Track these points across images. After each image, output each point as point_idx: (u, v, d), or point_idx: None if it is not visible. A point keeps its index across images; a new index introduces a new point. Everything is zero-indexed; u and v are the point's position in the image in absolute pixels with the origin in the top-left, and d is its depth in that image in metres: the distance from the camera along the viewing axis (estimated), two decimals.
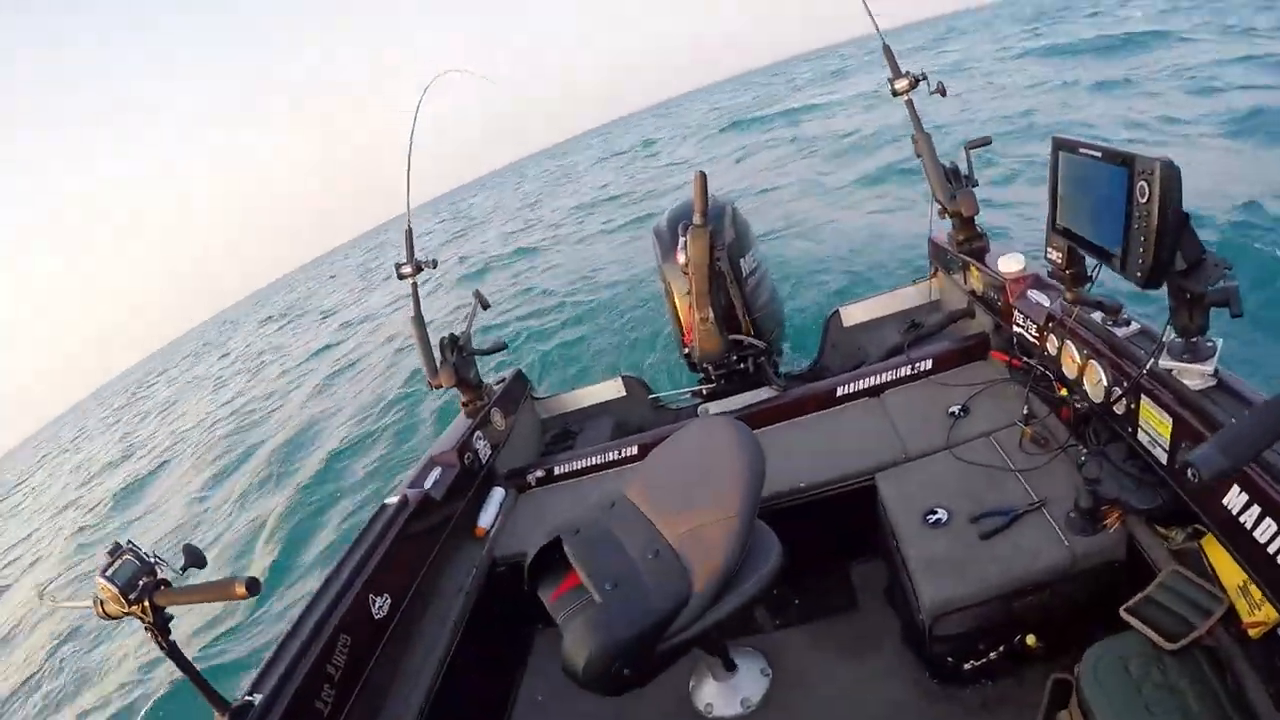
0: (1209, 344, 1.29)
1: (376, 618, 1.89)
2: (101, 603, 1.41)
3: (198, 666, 1.48)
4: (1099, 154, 1.33)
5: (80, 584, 7.58)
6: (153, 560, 1.45)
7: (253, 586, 1.38)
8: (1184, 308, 1.26)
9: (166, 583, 1.44)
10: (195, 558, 1.47)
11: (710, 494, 1.56)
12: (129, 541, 1.46)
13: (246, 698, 1.53)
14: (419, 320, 2.82)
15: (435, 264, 2.89)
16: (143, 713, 4.46)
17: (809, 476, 2.09)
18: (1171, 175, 1.14)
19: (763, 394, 2.68)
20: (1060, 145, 1.50)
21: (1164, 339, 1.34)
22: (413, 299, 2.83)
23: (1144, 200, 1.18)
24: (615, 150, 33.00)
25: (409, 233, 2.86)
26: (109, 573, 1.39)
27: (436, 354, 2.81)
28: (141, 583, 1.40)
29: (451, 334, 2.88)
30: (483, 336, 3.03)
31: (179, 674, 1.44)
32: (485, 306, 2.99)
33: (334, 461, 7.27)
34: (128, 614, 1.40)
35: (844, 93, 20.95)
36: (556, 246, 13.74)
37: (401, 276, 2.82)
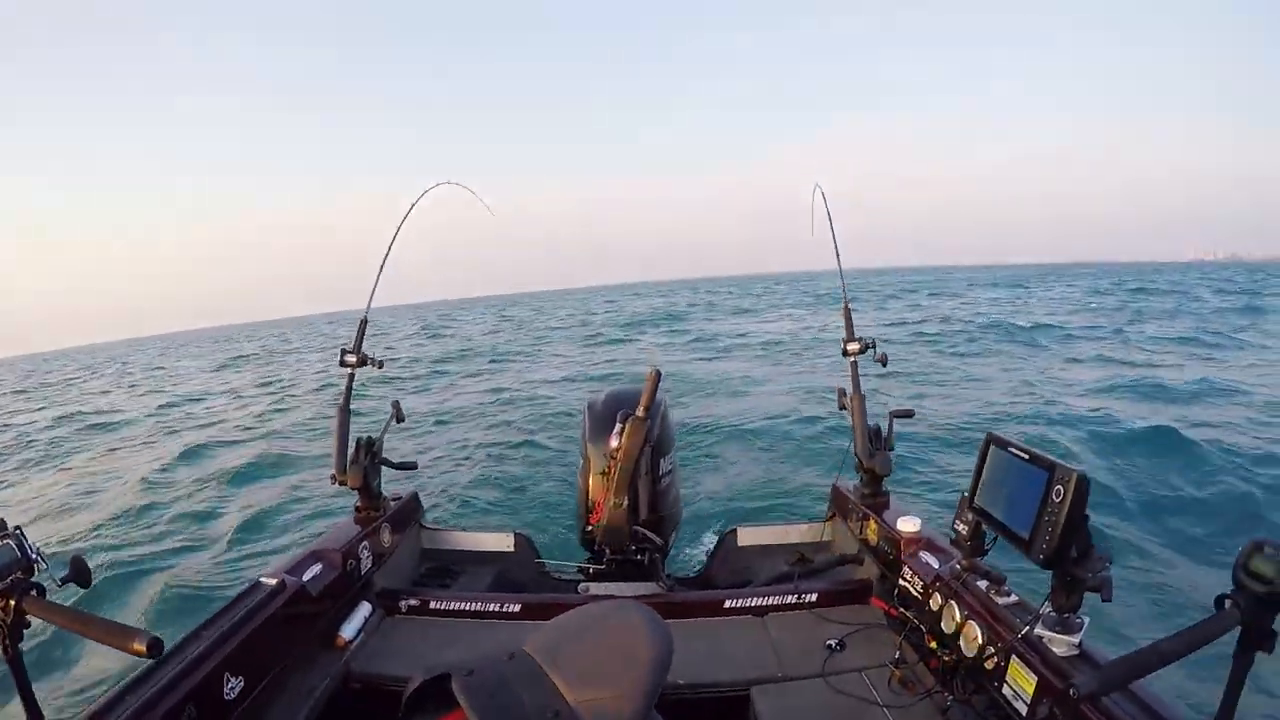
0: (1079, 620, 1.52)
1: (227, 698, 1.79)
2: None
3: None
4: (1026, 456, 1.61)
5: None
6: (35, 558, 1.32)
7: (155, 647, 1.26)
8: (1064, 588, 1.50)
9: (40, 588, 1.31)
10: (81, 574, 1.35)
11: (618, 670, 1.53)
12: (18, 528, 1.34)
13: None
14: (345, 411, 2.81)
15: (381, 364, 2.94)
16: None
17: (687, 675, 2.11)
18: (1083, 485, 1.41)
19: (647, 588, 2.71)
20: (994, 441, 1.77)
21: (1041, 610, 1.56)
22: (346, 389, 2.83)
23: (1057, 500, 1.44)
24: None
25: (364, 323, 2.92)
26: None
27: (350, 450, 2.78)
28: (12, 578, 1.28)
29: (370, 437, 2.86)
30: (393, 447, 3.01)
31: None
32: (400, 420, 3.00)
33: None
34: None
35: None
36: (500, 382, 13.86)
37: (344, 364, 2.84)
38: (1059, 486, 1.44)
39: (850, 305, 2.98)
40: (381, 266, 3.09)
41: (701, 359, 15.34)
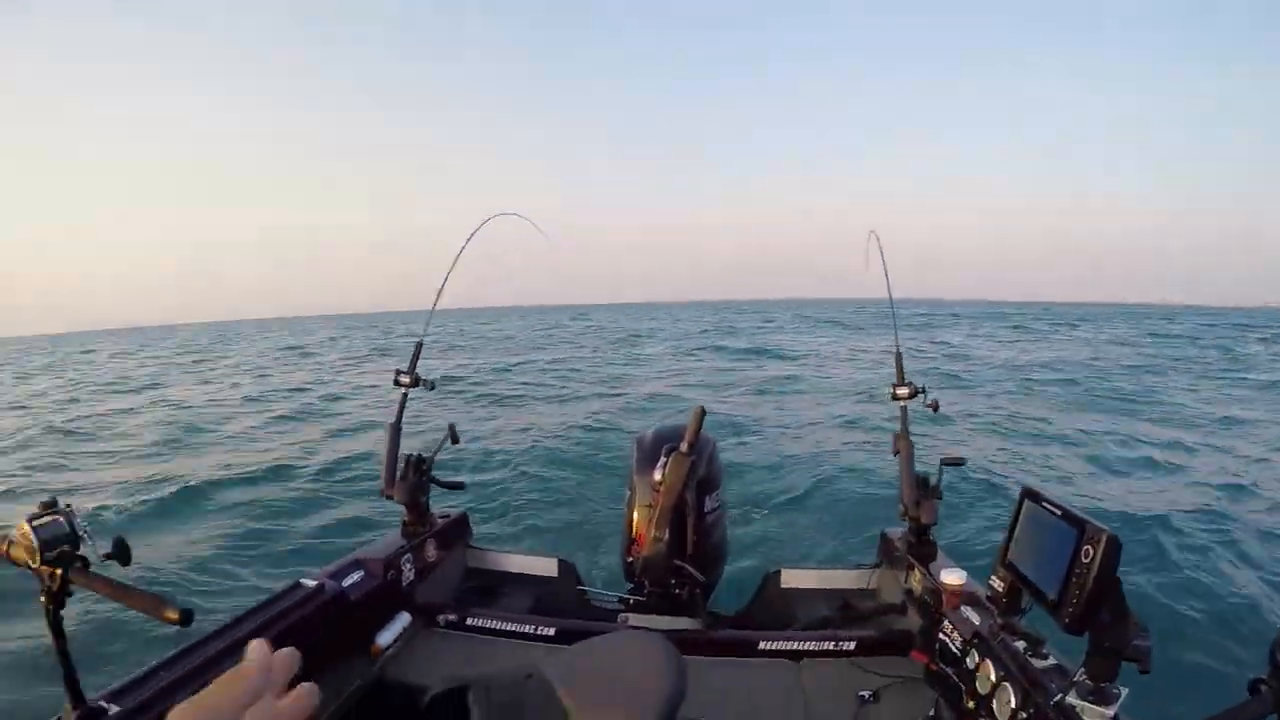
0: (1115, 691, 1.44)
1: None
2: (10, 544, 1.39)
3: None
4: (1059, 512, 1.56)
5: None
6: (84, 534, 1.43)
7: (186, 617, 1.36)
8: (1099, 656, 1.42)
9: (86, 561, 1.42)
10: (122, 553, 1.45)
11: (626, 700, 1.58)
12: (69, 505, 1.45)
13: (102, 703, 1.51)
14: (397, 429, 2.93)
15: (433, 386, 3.05)
16: None
17: (712, 715, 2.09)
18: (1113, 546, 1.36)
19: (686, 623, 2.73)
20: (1029, 494, 1.73)
21: (1075, 678, 1.49)
22: (399, 407, 2.96)
23: (1086, 561, 1.39)
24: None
25: (419, 346, 3.05)
26: (37, 523, 1.38)
27: (400, 466, 2.87)
28: (60, 550, 1.39)
29: (420, 454, 2.96)
30: (443, 469, 3.10)
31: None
32: (454, 441, 3.09)
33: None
34: (32, 569, 1.38)
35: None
36: (538, 404, 14.00)
37: (397, 384, 2.95)
38: (1088, 546, 1.40)
39: (902, 349, 2.98)
40: (439, 292, 3.23)
41: (755, 391, 15.27)
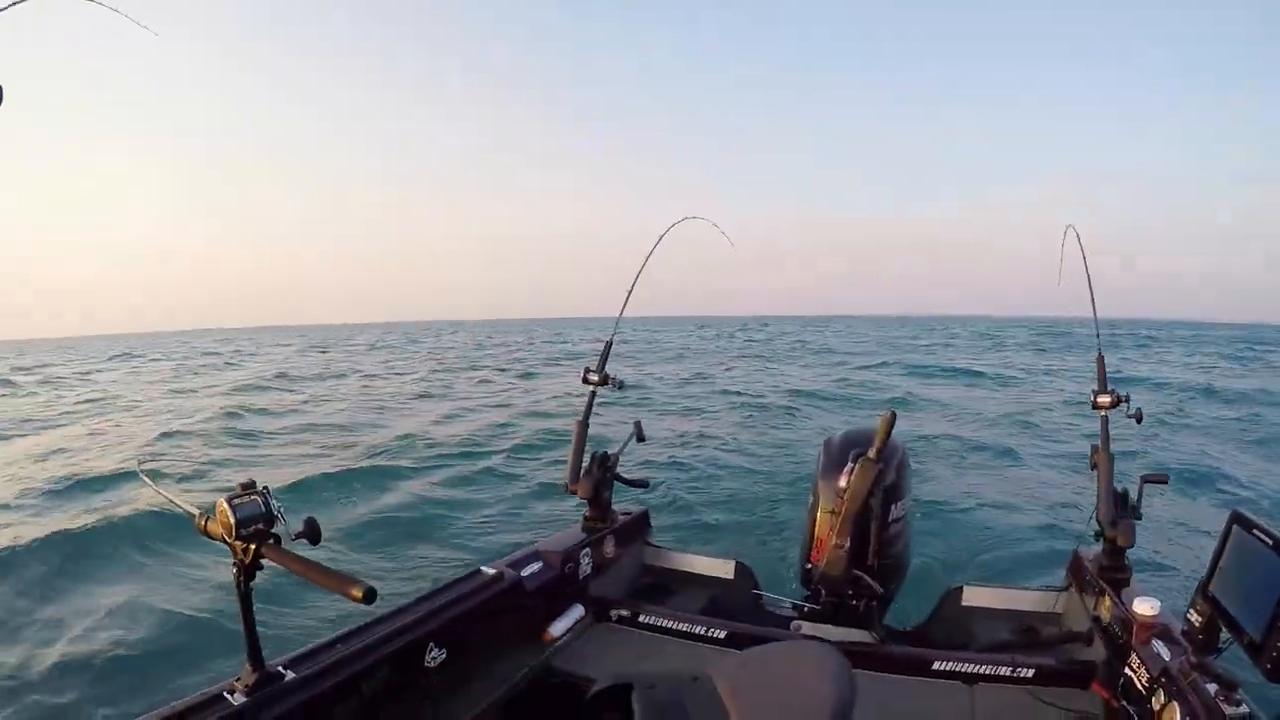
0: None
1: (427, 665, 2.03)
2: (207, 519, 1.49)
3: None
4: (1271, 542, 1.42)
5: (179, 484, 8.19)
6: (278, 514, 1.52)
7: (369, 595, 1.41)
8: None
9: (278, 539, 1.51)
10: (312, 532, 1.54)
11: (795, 714, 1.57)
12: (265, 487, 1.54)
13: (280, 668, 1.63)
14: (584, 425, 3.06)
15: (622, 385, 3.18)
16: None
17: None
18: None
19: (860, 635, 2.67)
20: (1238, 520, 1.59)
21: None
22: (587, 404, 3.10)
23: None
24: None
25: (609, 344, 3.19)
26: (235, 502, 1.46)
27: (585, 461, 3.03)
28: (256, 527, 1.48)
29: (605, 452, 3.10)
30: (630, 464, 3.26)
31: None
32: (641, 439, 3.22)
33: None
34: (227, 543, 1.48)
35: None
36: (738, 410, 14.14)
37: (586, 382, 3.11)
38: None
39: (1104, 355, 2.78)
40: (629, 292, 3.38)
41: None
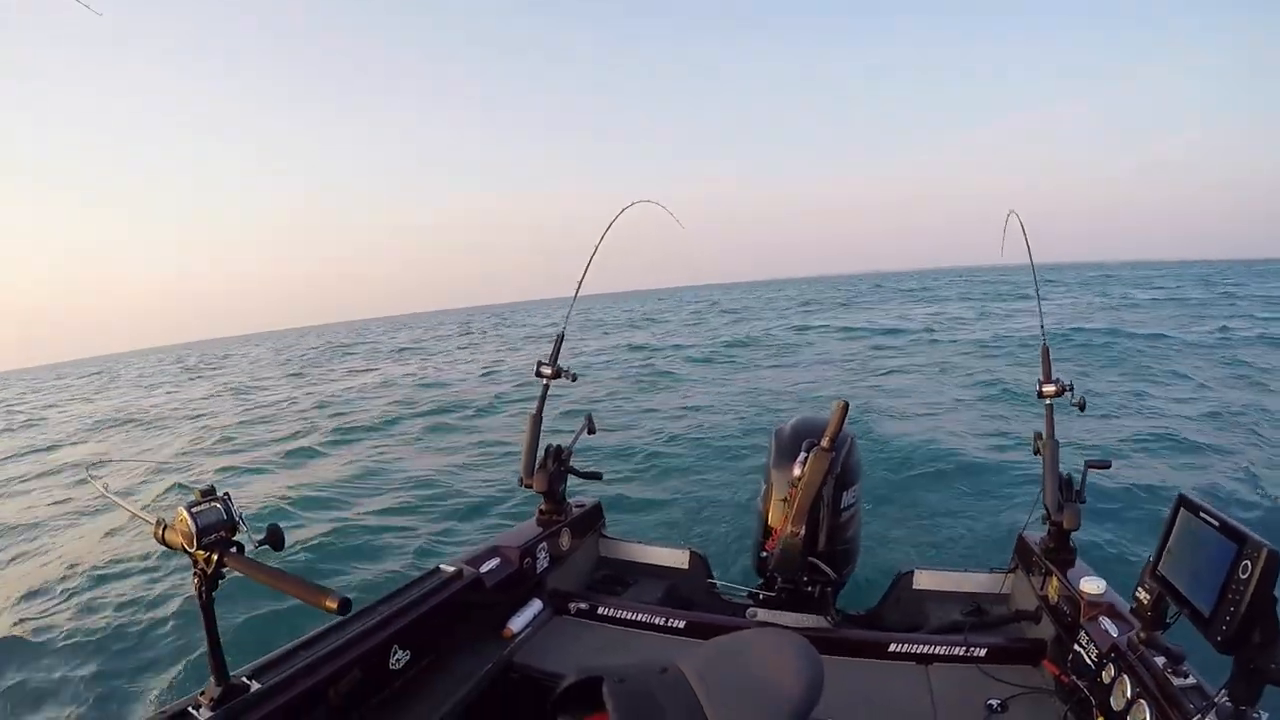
0: (1256, 715, 1.39)
1: (392, 667, 2.01)
2: (165, 528, 1.45)
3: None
4: (1216, 524, 1.49)
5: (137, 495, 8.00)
6: (239, 520, 1.48)
7: (344, 606, 1.38)
8: (1244, 677, 1.38)
9: (240, 546, 1.47)
10: (275, 539, 1.50)
11: (764, 700, 1.59)
12: (226, 493, 1.50)
13: (245, 679, 1.60)
14: (538, 420, 3.03)
15: (575, 378, 3.15)
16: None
17: (839, 715, 2.09)
18: (1274, 563, 1.31)
19: (815, 621, 2.73)
20: (1184, 504, 1.65)
21: (1216, 699, 1.44)
22: (540, 398, 3.07)
23: (1243, 576, 1.34)
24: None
25: (560, 338, 3.17)
26: (195, 510, 1.42)
27: (539, 456, 3.01)
28: (217, 535, 1.44)
29: (559, 445, 3.09)
30: (581, 457, 3.24)
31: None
32: (591, 432, 3.21)
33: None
34: (187, 552, 1.43)
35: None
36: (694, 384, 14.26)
37: (539, 375, 3.08)
38: (1247, 561, 1.34)
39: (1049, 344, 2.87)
40: (579, 284, 3.37)
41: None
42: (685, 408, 11.99)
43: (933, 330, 21.77)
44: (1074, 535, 2.61)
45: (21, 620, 5.31)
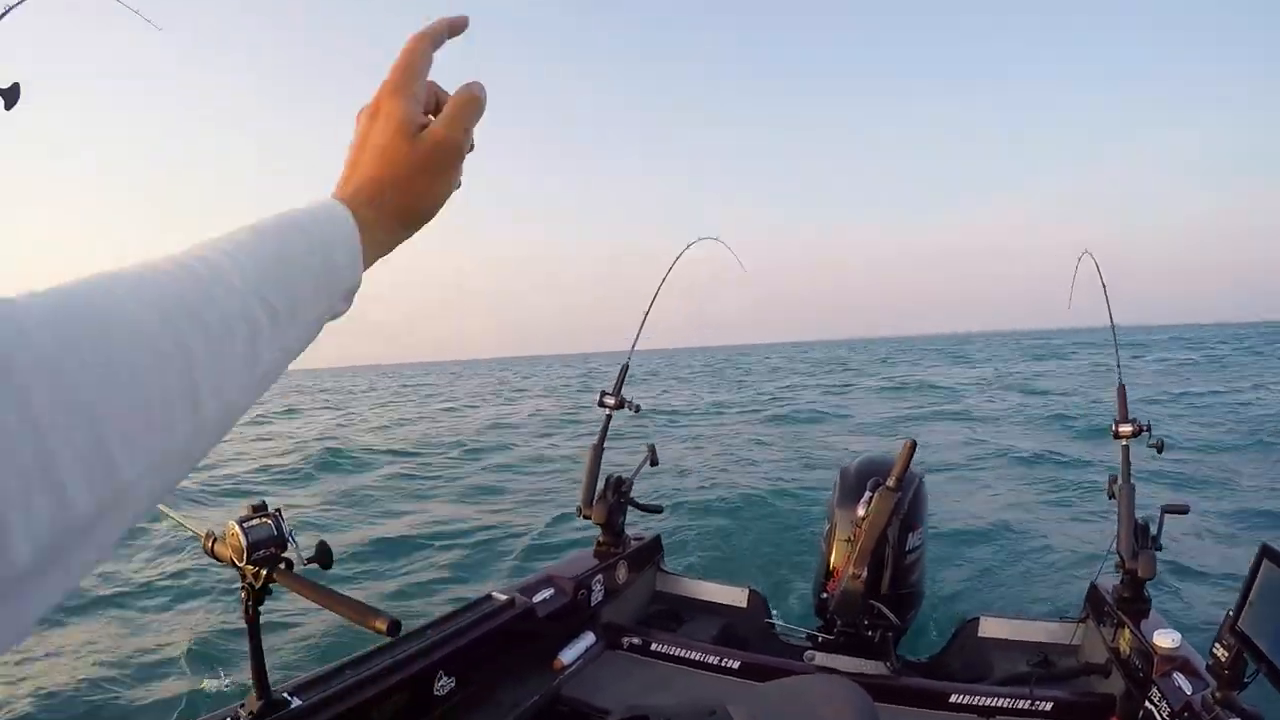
0: None
1: (436, 693, 2.00)
2: (215, 541, 1.47)
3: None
4: None
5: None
6: (289, 537, 1.48)
7: (394, 628, 1.38)
8: None
9: (290, 563, 1.48)
10: (324, 557, 1.50)
11: None
12: (278, 510, 1.50)
13: (286, 695, 1.60)
14: (599, 450, 3.05)
15: (638, 409, 3.15)
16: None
17: None
18: None
19: (875, 666, 2.64)
20: (1268, 554, 1.56)
21: None
22: (602, 428, 3.10)
23: None
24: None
25: (624, 369, 3.19)
26: (246, 524, 1.43)
27: (599, 487, 3.02)
28: (267, 551, 1.44)
29: (620, 476, 3.08)
30: (641, 486, 3.22)
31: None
32: (654, 463, 3.19)
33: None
34: (236, 567, 1.44)
35: None
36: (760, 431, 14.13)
37: (601, 404, 3.10)
38: None
39: (1125, 384, 2.75)
40: (645, 315, 3.38)
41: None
42: (755, 441, 11.88)
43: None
44: (1149, 584, 2.50)
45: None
